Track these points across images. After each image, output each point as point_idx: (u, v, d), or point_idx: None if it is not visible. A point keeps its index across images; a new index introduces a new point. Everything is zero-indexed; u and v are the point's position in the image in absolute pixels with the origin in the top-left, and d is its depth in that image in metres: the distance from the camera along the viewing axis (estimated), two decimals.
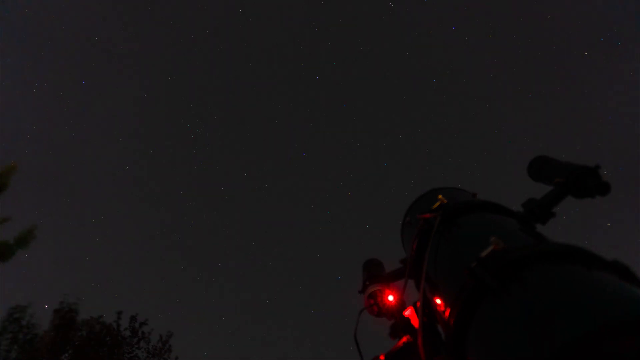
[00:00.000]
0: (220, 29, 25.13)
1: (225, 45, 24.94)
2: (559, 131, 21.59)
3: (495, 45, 22.54)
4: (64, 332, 10.00)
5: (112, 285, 23.24)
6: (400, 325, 1.12)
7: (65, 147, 24.38)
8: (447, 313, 0.76)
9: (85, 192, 24.68)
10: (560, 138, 21.52)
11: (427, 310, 0.98)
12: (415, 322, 1.11)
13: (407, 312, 1.15)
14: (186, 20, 24.57)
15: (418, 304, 0.97)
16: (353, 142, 25.70)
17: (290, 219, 27.29)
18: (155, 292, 24.36)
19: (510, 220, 0.95)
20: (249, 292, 26.35)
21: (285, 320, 25.01)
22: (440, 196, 1.14)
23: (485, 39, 22.30)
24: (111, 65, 24.24)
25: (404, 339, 1.10)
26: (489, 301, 0.66)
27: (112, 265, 24.41)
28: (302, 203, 26.67)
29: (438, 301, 0.87)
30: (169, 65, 25.37)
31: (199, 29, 25.04)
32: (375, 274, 1.29)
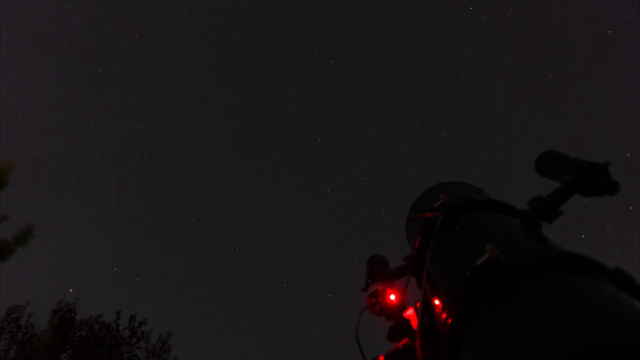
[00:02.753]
0: (235, 12, 24.95)
1: (239, 30, 24.74)
2: (583, 112, 21.02)
3: (515, 25, 21.85)
4: (63, 332, 9.99)
5: (112, 284, 23.27)
6: (399, 328, 1.11)
7: (65, 144, 24.39)
8: (444, 316, 0.75)
9: (84, 190, 24.69)
10: (584, 118, 21.02)
11: (428, 312, 0.97)
12: (415, 323, 1.09)
13: (409, 313, 1.13)
14: (200, 3, 24.41)
15: (418, 304, 0.96)
16: (369, 126, 25.52)
17: (306, 205, 27.15)
18: (154, 292, 24.41)
19: (513, 221, 0.93)
20: (262, 279, 26.39)
21: (300, 306, 25.21)
22: (442, 195, 1.12)
23: (504, 19, 21.60)
24: (118, 55, 24.22)
25: (404, 340, 1.08)
26: (484, 310, 0.65)
27: (112, 264, 24.41)
28: (318, 188, 26.56)
29: (437, 302, 0.86)
30: (183, 52, 25.28)
31: (213, 13, 24.93)
32: (378, 271, 1.28)
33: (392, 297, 1.20)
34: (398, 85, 25.26)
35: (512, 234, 0.86)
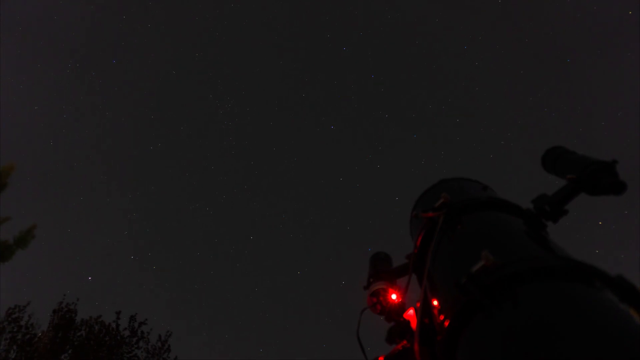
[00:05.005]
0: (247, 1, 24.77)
1: (251, 18, 24.38)
2: (601, 95, 20.30)
3: (531, 7, 21.10)
4: (63, 332, 9.98)
5: (112, 285, 23.22)
6: (398, 330, 1.10)
7: (64, 143, 24.35)
8: (442, 317, 0.76)
9: (85, 190, 24.64)
10: (603, 102, 20.21)
11: (428, 312, 0.96)
12: (415, 325, 1.08)
13: (409, 313, 1.12)
14: None
15: (418, 305, 0.95)
16: (382, 113, 24.93)
17: (319, 192, 26.91)
18: (155, 292, 24.37)
19: (516, 221, 0.92)
20: (275, 267, 26.30)
21: (315, 292, 25.19)
22: (443, 193, 1.11)
23: (519, 1, 21.08)
24: (130, 45, 24.09)
25: (404, 342, 1.07)
26: (479, 317, 0.66)
27: (112, 264, 24.38)
28: (331, 176, 26.16)
29: (435, 303, 0.86)
30: (194, 42, 25.10)
31: (224, 1, 24.85)
32: (380, 270, 1.27)
33: (394, 296, 1.19)
34: (411, 71, 24.99)
35: (513, 236, 0.86)
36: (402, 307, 1.16)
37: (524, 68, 22.23)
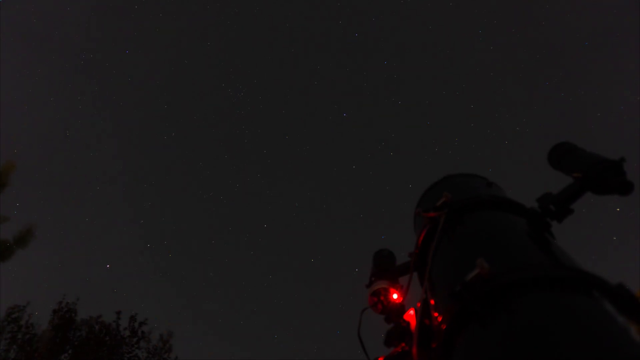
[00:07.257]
0: None
1: (261, 5, 24.41)
2: (618, 81, 19.94)
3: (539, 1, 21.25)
4: (63, 332, 9.99)
5: (112, 284, 23.24)
6: (397, 332, 1.09)
7: (64, 143, 24.41)
8: (440, 319, 0.76)
9: (84, 190, 24.64)
10: (621, 88, 19.81)
11: (429, 313, 0.96)
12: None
13: (410, 313, 1.11)
14: None
15: (419, 305, 0.95)
16: (395, 100, 24.76)
17: (332, 180, 26.81)
18: (155, 291, 24.39)
19: (519, 221, 0.91)
20: (288, 255, 26.20)
21: (328, 280, 25.39)
22: (445, 193, 1.09)
23: None
24: (141, 35, 24.27)
25: (402, 344, 1.06)
26: (473, 325, 0.66)
27: (112, 264, 24.37)
28: (344, 163, 26.14)
29: (433, 304, 0.86)
30: (206, 30, 25.06)
31: None
32: (382, 268, 1.25)
33: (395, 296, 1.18)
34: (424, 57, 24.77)
35: (513, 239, 0.85)
36: (402, 308, 1.15)
37: (540, 52, 21.74)
